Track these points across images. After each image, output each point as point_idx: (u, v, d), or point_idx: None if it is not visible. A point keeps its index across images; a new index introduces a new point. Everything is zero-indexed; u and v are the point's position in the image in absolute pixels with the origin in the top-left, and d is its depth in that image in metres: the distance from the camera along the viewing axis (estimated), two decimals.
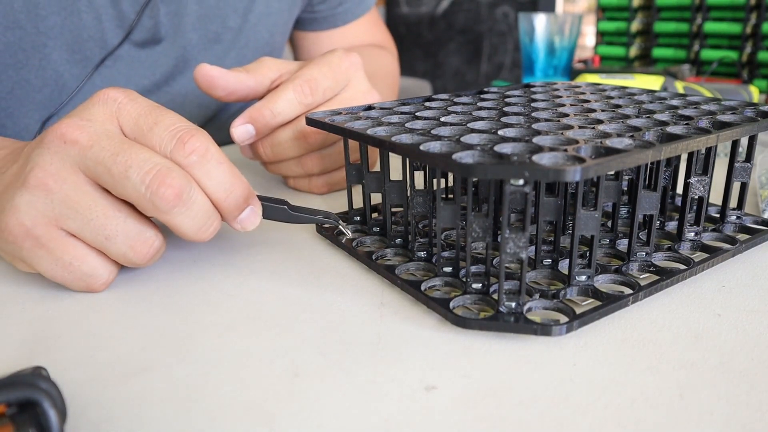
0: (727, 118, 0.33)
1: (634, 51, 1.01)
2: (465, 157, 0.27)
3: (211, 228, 0.31)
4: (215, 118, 0.70)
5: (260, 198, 0.34)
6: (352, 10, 0.75)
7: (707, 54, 0.92)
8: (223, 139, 0.71)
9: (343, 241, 0.35)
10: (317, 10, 0.73)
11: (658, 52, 0.98)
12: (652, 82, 0.62)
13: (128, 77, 0.59)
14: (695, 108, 0.36)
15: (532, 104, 0.38)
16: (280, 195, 0.46)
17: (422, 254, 0.33)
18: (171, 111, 0.31)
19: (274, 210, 0.35)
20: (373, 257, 0.33)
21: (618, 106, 0.37)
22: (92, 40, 0.55)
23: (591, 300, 0.29)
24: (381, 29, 0.83)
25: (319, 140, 0.43)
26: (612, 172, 0.34)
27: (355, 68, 0.44)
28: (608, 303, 0.27)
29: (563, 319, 0.27)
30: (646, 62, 1.02)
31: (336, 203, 0.44)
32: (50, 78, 0.55)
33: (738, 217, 0.37)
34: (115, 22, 0.55)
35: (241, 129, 0.41)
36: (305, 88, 0.41)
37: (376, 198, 0.40)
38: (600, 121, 0.33)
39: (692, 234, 0.35)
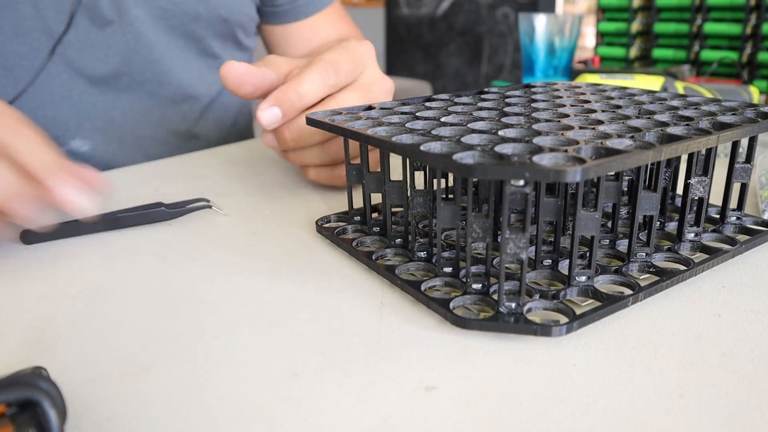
0: (727, 118, 0.33)
1: (634, 51, 1.01)
2: (465, 157, 0.27)
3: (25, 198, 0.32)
4: (209, 117, 0.69)
5: (135, 208, 0.40)
6: (314, 2, 0.75)
7: (707, 54, 0.92)
8: (222, 137, 0.71)
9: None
10: (278, 4, 0.72)
11: (658, 52, 0.99)
12: (652, 82, 0.62)
13: (82, 62, 0.58)
14: (695, 109, 0.36)
15: (533, 105, 0.38)
16: (292, 194, 0.46)
17: (422, 254, 0.33)
18: None
19: (153, 214, 0.40)
20: (373, 257, 0.33)
21: (618, 107, 0.37)
22: (35, 30, 0.55)
23: (591, 300, 0.29)
24: (349, 23, 0.82)
25: None
26: (612, 173, 0.34)
27: (369, 54, 0.45)
28: (608, 303, 0.28)
29: (563, 319, 0.27)
30: (646, 63, 1.02)
31: (336, 203, 0.44)
32: None
33: (738, 218, 0.37)
34: (54, 8, 0.55)
35: (268, 113, 0.40)
36: (329, 70, 0.41)
37: (376, 198, 0.40)
38: (600, 122, 0.33)
39: (692, 235, 0.35)
